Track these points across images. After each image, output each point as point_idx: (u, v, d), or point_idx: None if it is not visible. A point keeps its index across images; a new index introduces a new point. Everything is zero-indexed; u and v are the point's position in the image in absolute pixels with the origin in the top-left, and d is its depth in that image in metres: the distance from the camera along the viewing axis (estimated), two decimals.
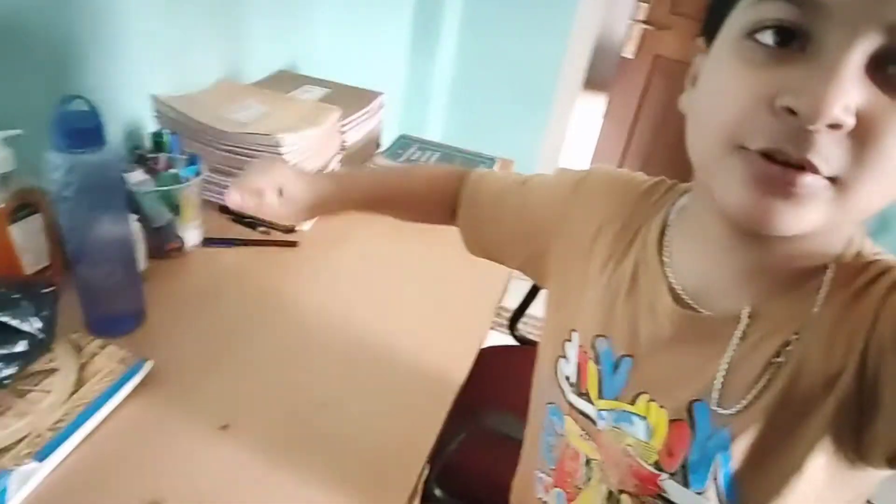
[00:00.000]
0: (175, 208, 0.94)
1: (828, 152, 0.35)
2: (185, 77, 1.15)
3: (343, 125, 1.19)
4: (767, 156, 0.36)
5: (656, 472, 0.50)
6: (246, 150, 1.03)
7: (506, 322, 1.53)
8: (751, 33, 0.37)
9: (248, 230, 1.07)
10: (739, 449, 0.45)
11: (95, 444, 0.67)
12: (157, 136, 0.98)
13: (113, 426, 0.69)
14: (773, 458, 0.45)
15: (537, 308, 1.49)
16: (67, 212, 0.71)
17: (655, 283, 0.52)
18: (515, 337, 1.50)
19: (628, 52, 2.48)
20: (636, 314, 0.53)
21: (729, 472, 0.46)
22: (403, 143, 1.31)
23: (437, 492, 1.07)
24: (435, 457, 1.00)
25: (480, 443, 1.10)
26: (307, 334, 0.88)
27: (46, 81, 0.90)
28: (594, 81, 3.66)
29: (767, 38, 0.36)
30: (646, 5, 2.36)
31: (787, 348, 0.43)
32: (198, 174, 0.96)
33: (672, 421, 0.49)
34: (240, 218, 1.09)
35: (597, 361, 0.54)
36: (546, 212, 0.63)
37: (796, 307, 0.44)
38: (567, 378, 0.57)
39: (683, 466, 0.48)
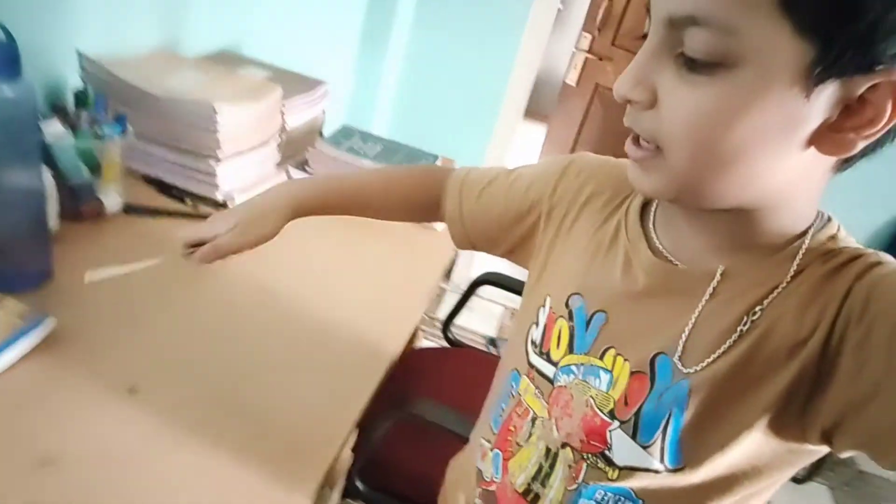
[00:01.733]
0: (95, 168, 0.88)
1: (640, 122, 0.42)
2: (118, 39, 1.09)
3: (284, 107, 1.17)
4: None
5: (609, 420, 0.50)
6: (179, 118, 0.99)
7: (439, 328, 1.52)
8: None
9: (175, 202, 1.02)
10: (694, 406, 0.46)
11: None
12: (80, 94, 0.93)
13: (6, 382, 0.63)
14: (723, 418, 0.45)
15: (465, 317, 1.50)
16: None
17: (635, 241, 0.53)
18: (448, 340, 1.48)
19: (571, 79, 2.56)
20: (612, 271, 0.54)
21: (679, 427, 0.46)
22: (346, 132, 1.29)
23: (360, 485, 1.03)
24: (359, 447, 0.97)
25: (406, 437, 1.07)
26: (232, 306, 0.83)
27: None
28: (535, 112, 3.77)
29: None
30: (589, 36, 2.46)
31: (756, 311, 0.45)
32: (123, 133, 0.90)
33: (633, 373, 0.49)
34: (166, 189, 1.03)
35: (570, 318, 0.55)
36: (536, 192, 0.64)
37: (768, 273, 0.45)
38: (533, 341, 0.58)
39: (636, 416, 0.48)
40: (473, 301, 1.45)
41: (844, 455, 0.44)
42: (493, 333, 2.33)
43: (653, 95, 0.41)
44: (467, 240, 0.72)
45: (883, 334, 0.39)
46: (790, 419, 0.44)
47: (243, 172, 1.09)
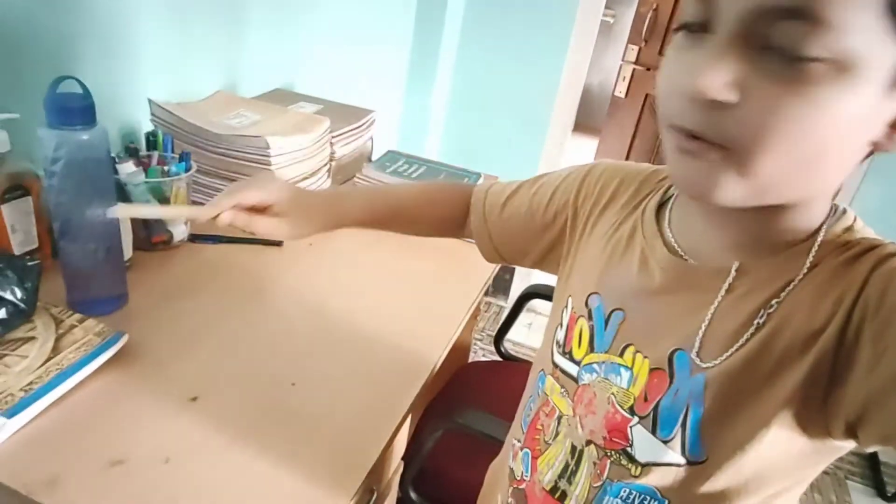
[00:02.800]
0: (164, 202, 0.98)
1: (722, 125, 0.39)
2: (182, 85, 1.20)
3: (333, 137, 1.24)
4: (690, 134, 0.41)
5: (629, 416, 0.51)
6: (236, 153, 1.08)
7: (489, 346, 1.55)
8: (679, 27, 0.43)
9: (235, 230, 1.10)
10: (711, 399, 0.46)
11: (66, 407, 0.68)
12: (151, 136, 1.03)
13: (85, 393, 0.71)
14: (742, 413, 0.45)
15: (516, 331, 1.51)
16: (55, 187, 0.75)
17: (651, 239, 0.55)
18: (500, 354, 1.50)
19: (620, 91, 2.56)
20: (628, 270, 0.55)
21: (697, 420, 0.47)
22: (391, 157, 1.35)
23: (413, 495, 1.06)
24: (411, 457, 1.00)
25: (458, 448, 1.10)
26: (284, 322, 0.90)
27: (47, 71, 0.95)
28: (588, 126, 3.76)
29: (687, 28, 0.41)
30: (636, 47, 2.45)
31: (772, 305, 0.45)
32: (188, 170, 1.00)
33: (652, 370, 0.50)
34: None
35: (589, 318, 0.57)
36: (559, 200, 0.66)
37: (783, 268, 0.46)
38: (557, 342, 0.60)
39: (655, 411, 0.49)
40: (529, 317, 1.47)
41: (871, 449, 0.44)
42: None
43: (736, 95, 0.38)
44: (496, 253, 0.74)
45: None
46: (812, 413, 0.43)
47: None
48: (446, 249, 1.17)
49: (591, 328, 0.56)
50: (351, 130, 1.31)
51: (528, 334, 2.30)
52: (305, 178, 1.18)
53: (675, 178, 0.44)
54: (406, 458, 1.00)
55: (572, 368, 0.57)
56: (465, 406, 1.08)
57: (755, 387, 0.45)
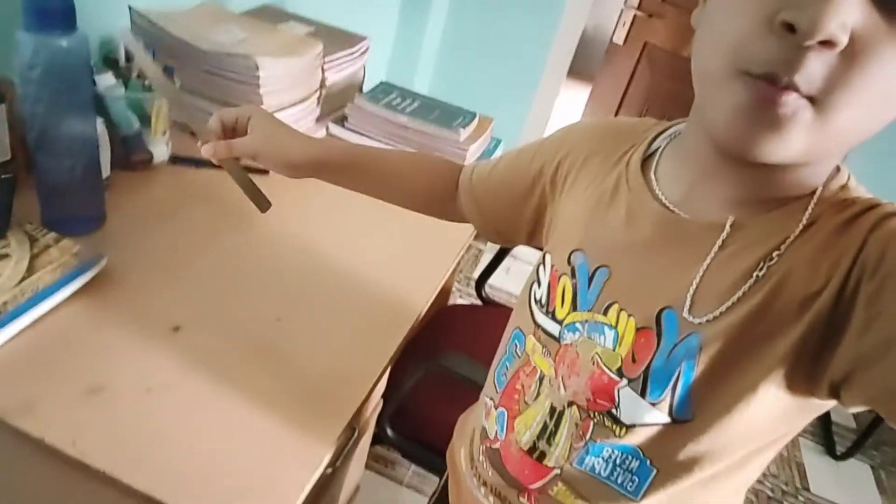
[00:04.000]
0: (145, 119, 0.92)
1: (814, 71, 0.35)
2: None
3: (325, 63, 1.18)
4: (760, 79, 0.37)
5: (617, 378, 0.50)
6: (222, 72, 1.01)
7: (472, 290, 1.54)
8: None
9: None
10: (705, 360, 0.45)
11: (42, 331, 0.66)
12: None
13: (62, 316, 0.68)
14: (734, 374, 0.45)
15: (497, 277, 1.52)
16: (31, 95, 0.69)
17: (638, 194, 0.52)
18: (481, 298, 1.50)
19: (618, 38, 2.49)
20: (614, 225, 0.53)
21: (688, 383, 0.46)
22: (385, 88, 1.30)
23: (389, 431, 1.07)
24: (389, 395, 1.01)
25: (436, 389, 1.11)
26: (269, 254, 0.87)
27: None
28: (580, 72, 3.67)
29: None
30: None
31: (768, 263, 0.44)
32: None
33: (639, 329, 0.49)
34: None
35: (573, 275, 0.55)
36: (538, 163, 0.64)
37: (779, 224, 0.44)
38: (538, 301, 0.58)
39: (645, 373, 0.48)
40: (507, 262, 1.46)
41: (852, 410, 0.44)
42: None
43: (847, 37, 0.34)
44: (491, 227, 0.72)
45: None
46: (801, 373, 0.43)
47: None
48: None
49: (575, 286, 0.54)
50: (344, 57, 1.24)
51: (505, 278, 2.31)
52: (294, 105, 1.12)
53: (735, 134, 0.39)
54: (385, 395, 1.00)
55: (554, 328, 0.56)
56: (447, 348, 1.08)
57: (750, 348, 0.44)
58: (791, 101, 0.36)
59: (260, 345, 0.72)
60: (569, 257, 0.55)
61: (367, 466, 1.50)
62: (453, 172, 0.75)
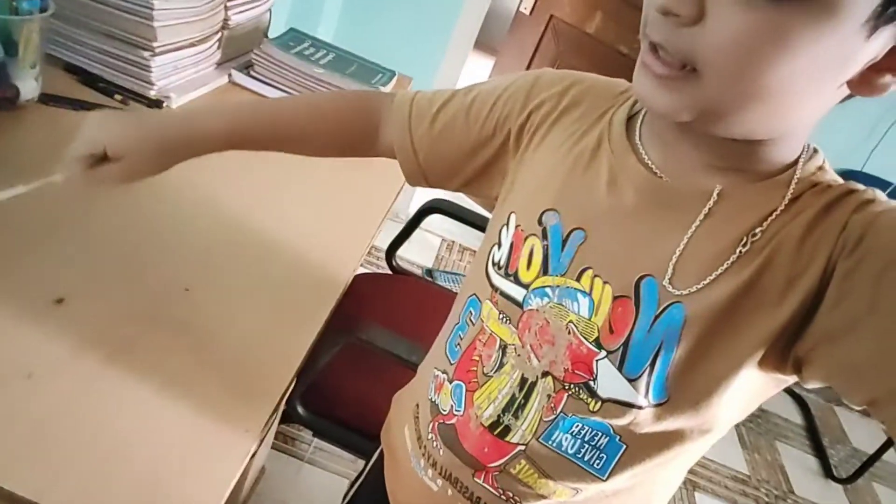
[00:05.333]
0: (11, 47, 0.76)
1: (675, 39, 0.38)
2: None
3: (228, 1, 1.05)
4: (654, 47, 0.40)
5: (595, 349, 0.47)
6: (109, 0, 0.86)
7: (376, 256, 1.48)
8: None
9: (101, 96, 0.91)
10: (688, 337, 0.44)
11: None
12: None
13: None
14: (716, 354, 0.44)
15: (405, 249, 1.48)
16: None
17: (622, 156, 0.49)
18: (392, 267, 1.45)
19: (525, 7, 2.48)
20: (594, 186, 0.50)
21: (668, 363, 0.44)
22: (295, 36, 1.18)
23: (301, 410, 1.00)
24: (303, 372, 0.93)
25: (351, 364, 1.05)
26: (173, 217, 0.76)
27: None
28: (484, 44, 3.66)
29: None
30: None
31: (753, 238, 0.43)
32: (43, 10, 0.78)
33: (616, 298, 0.46)
34: (92, 80, 0.92)
35: (543, 237, 0.51)
36: (501, 111, 0.58)
37: (764, 197, 0.44)
38: (497, 263, 0.54)
39: (625, 345, 0.46)
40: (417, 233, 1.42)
41: (811, 385, 0.44)
42: (429, 264, 2.32)
43: (700, 10, 0.36)
44: (421, 173, 0.64)
45: (871, 270, 0.38)
46: (776, 351, 0.43)
47: (180, 70, 0.99)
48: None
49: (546, 248, 0.51)
50: None
51: (407, 247, 2.27)
52: (192, 45, 0.99)
53: (634, 89, 0.43)
54: (298, 371, 0.92)
55: (517, 292, 0.52)
56: (363, 322, 1.01)
57: (735, 326, 0.43)
58: (661, 65, 0.39)
59: (165, 319, 0.62)
60: (540, 217, 0.51)
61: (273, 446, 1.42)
62: (369, 108, 0.66)
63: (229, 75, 1.11)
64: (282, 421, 1.03)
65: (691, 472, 1.93)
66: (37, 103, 0.82)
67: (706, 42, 0.37)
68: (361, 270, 1.99)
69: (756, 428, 2.23)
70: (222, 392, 0.58)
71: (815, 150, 0.46)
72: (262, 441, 0.61)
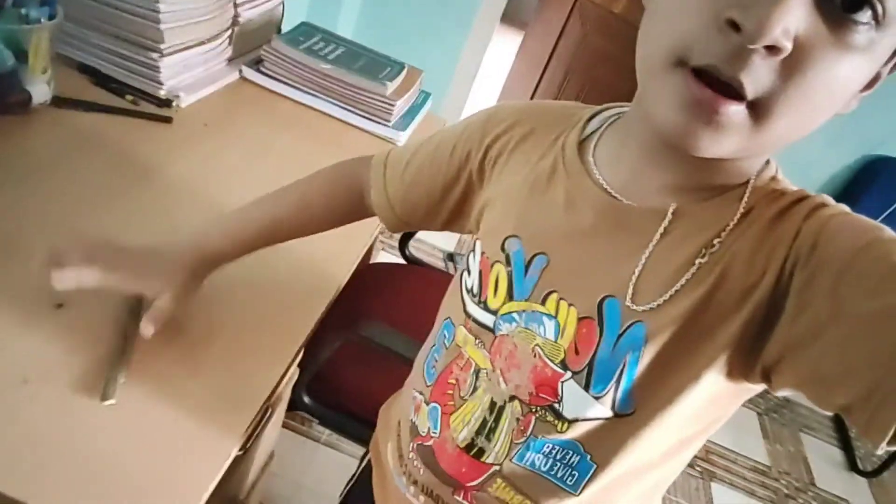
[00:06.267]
0: (21, 54, 0.79)
1: (759, 74, 0.35)
2: None
3: None
4: (701, 74, 0.37)
5: (561, 370, 0.48)
6: (116, 3, 0.89)
7: (396, 243, 1.50)
8: None
9: (113, 97, 0.94)
10: (650, 352, 0.45)
11: None
12: None
13: None
14: (677, 366, 0.44)
15: (425, 232, 1.49)
16: None
17: (577, 179, 0.50)
18: (405, 257, 1.46)
19: None
20: (552, 210, 0.51)
21: (633, 376, 0.45)
22: (305, 30, 1.19)
23: (306, 399, 1.03)
24: (307, 363, 0.96)
25: (357, 356, 1.07)
26: (172, 215, 0.79)
27: None
28: (513, 18, 3.60)
29: None
30: None
31: (710, 251, 0.44)
32: (52, 17, 0.81)
33: (581, 319, 0.47)
34: (104, 81, 0.94)
35: (507, 263, 0.52)
36: (461, 152, 0.60)
37: (718, 212, 0.44)
38: (469, 290, 0.55)
39: (589, 365, 0.47)
40: None
41: (781, 393, 0.45)
42: (451, 248, 2.33)
43: (791, 44, 0.34)
44: (401, 223, 0.68)
45: (827, 278, 0.39)
46: (738, 360, 0.44)
47: (190, 68, 1.01)
48: (363, 148, 1.07)
49: (510, 274, 0.52)
50: None
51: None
52: (202, 44, 1.01)
53: (673, 128, 0.39)
54: (301, 364, 0.95)
55: (488, 319, 0.53)
56: (368, 316, 1.03)
57: (694, 339, 0.44)
58: (733, 112, 0.37)
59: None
60: (503, 244, 0.52)
61: (283, 426, 1.46)
62: (357, 176, 0.70)
63: (240, 71, 1.12)
64: (288, 409, 1.06)
65: (708, 461, 1.92)
66: (49, 106, 0.85)
67: (793, 81, 0.35)
68: (385, 256, 2.02)
69: (780, 418, 2.20)
70: (210, 396, 0.61)
71: (768, 161, 0.46)
72: (251, 437, 0.64)
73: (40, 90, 0.83)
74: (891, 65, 0.39)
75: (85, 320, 0.62)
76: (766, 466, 1.99)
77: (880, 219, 2.19)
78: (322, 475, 1.48)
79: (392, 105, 1.11)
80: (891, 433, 0.35)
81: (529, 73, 2.63)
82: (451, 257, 2.27)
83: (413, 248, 1.46)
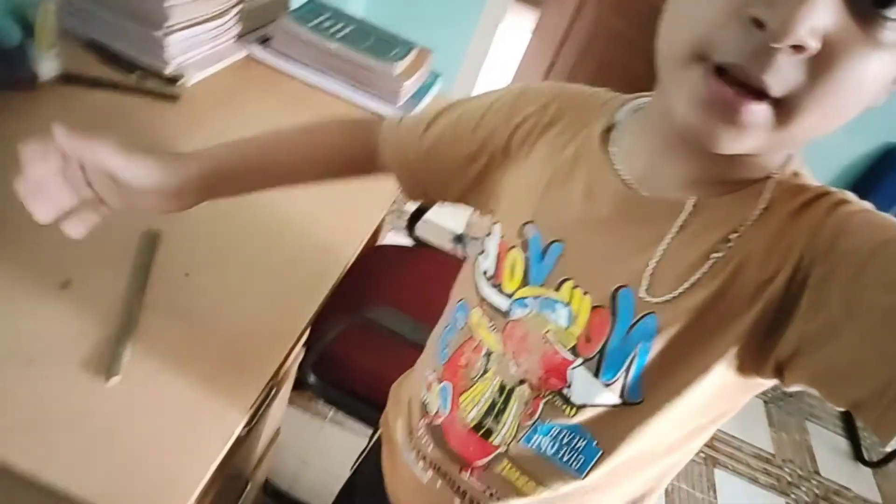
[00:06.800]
0: (28, 29, 0.79)
1: (785, 73, 0.34)
2: None
3: None
4: (723, 71, 0.36)
5: (571, 357, 0.48)
6: None
7: (405, 223, 1.49)
8: None
9: (120, 74, 0.93)
10: (661, 342, 0.45)
11: None
12: None
13: None
14: (688, 358, 0.44)
15: (434, 212, 1.48)
16: None
17: (598, 168, 0.50)
18: (413, 238, 1.46)
19: None
20: (571, 198, 0.51)
21: (642, 365, 0.45)
22: (315, 7, 1.17)
23: (312, 378, 1.04)
24: (313, 343, 0.97)
25: (363, 337, 1.08)
26: None
27: None
28: None
29: None
30: None
31: (727, 246, 0.43)
32: None
33: (594, 308, 0.47)
34: (111, 58, 0.94)
35: (524, 248, 0.52)
36: (486, 128, 0.59)
37: (738, 207, 0.44)
38: (484, 273, 0.55)
39: (601, 353, 0.47)
40: None
41: (792, 389, 0.45)
42: (460, 230, 2.32)
43: (818, 43, 0.33)
44: (419, 188, 0.67)
45: (845, 275, 0.38)
46: (749, 354, 0.43)
47: (197, 45, 1.00)
48: None
49: (527, 260, 0.52)
50: None
51: (437, 211, 2.28)
52: (208, 20, 1.00)
53: (693, 124, 0.38)
54: (307, 343, 0.96)
55: (502, 302, 0.54)
56: (375, 298, 1.04)
57: (706, 332, 0.44)
58: (755, 111, 0.36)
59: (165, 302, 0.66)
60: (521, 229, 0.53)
61: (290, 403, 1.48)
62: (363, 133, 0.67)
63: (248, 49, 1.11)
64: (294, 388, 1.07)
65: (711, 447, 1.93)
66: (56, 83, 0.85)
67: (821, 80, 0.34)
68: (393, 236, 2.01)
69: (786, 406, 2.20)
70: (217, 373, 0.61)
71: (791, 155, 0.45)
72: (256, 414, 0.64)
73: (47, 66, 0.83)
74: None
75: (91, 299, 0.62)
76: (771, 454, 1.99)
77: None
78: (328, 453, 1.50)
79: (400, 85, 1.10)
80: None
81: (543, 53, 2.60)
82: (459, 239, 2.27)
83: (421, 229, 1.46)
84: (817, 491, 1.94)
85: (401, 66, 1.10)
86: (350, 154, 0.68)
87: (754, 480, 1.89)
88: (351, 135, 0.68)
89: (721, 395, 0.47)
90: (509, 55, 2.99)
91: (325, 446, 1.52)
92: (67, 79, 0.86)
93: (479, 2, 2.11)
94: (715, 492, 1.81)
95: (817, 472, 1.99)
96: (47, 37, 0.81)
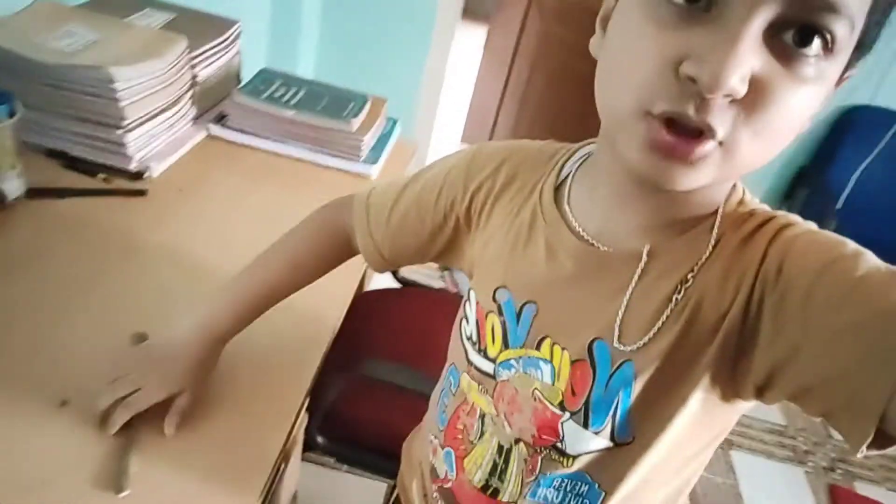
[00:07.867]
0: None
1: (725, 116, 0.36)
2: None
3: (193, 58, 1.07)
4: (669, 120, 0.38)
5: (560, 412, 0.50)
6: (72, 86, 0.90)
7: None
8: None
9: (86, 178, 0.95)
10: (640, 385, 0.47)
11: None
12: None
13: None
14: (665, 395, 0.46)
15: None
16: None
17: (555, 228, 0.52)
18: (398, 279, 1.48)
19: None
20: (535, 260, 0.52)
21: (626, 409, 0.47)
22: (265, 77, 1.20)
23: (320, 439, 1.05)
24: (314, 407, 0.98)
25: (364, 391, 1.09)
26: (159, 287, 0.80)
27: None
28: (476, 12, 3.60)
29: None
30: None
31: (685, 286, 0.45)
32: (11, 115, 0.82)
33: (574, 362, 0.49)
34: (74, 163, 0.96)
35: (500, 313, 0.54)
36: (446, 199, 0.61)
37: (691, 247, 0.46)
38: (469, 338, 0.58)
39: (586, 405, 0.49)
40: None
41: (774, 405, 0.47)
42: None
43: (746, 87, 0.36)
44: (389, 264, 0.70)
45: (796, 299, 0.40)
46: (723, 381, 0.45)
47: (156, 136, 1.02)
48: (337, 187, 1.09)
49: (504, 324, 0.54)
50: (213, 48, 1.13)
51: None
52: (163, 111, 1.02)
53: (648, 169, 0.40)
54: (310, 408, 0.97)
55: (488, 366, 0.56)
56: (369, 350, 1.05)
57: (679, 370, 0.46)
58: (705, 151, 0.38)
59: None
60: (494, 294, 0.55)
61: (304, 459, 1.48)
62: (339, 226, 0.72)
63: (207, 129, 1.14)
64: (304, 450, 1.08)
65: None
66: (24, 199, 0.87)
67: (756, 117, 0.37)
68: (378, 278, 2.01)
69: None
70: (223, 463, 0.62)
71: (734, 185, 0.47)
72: (268, 495, 0.66)
73: (12, 185, 0.85)
74: (839, 82, 0.40)
75: (91, 414, 0.63)
76: (783, 426, 2.02)
77: (860, 170, 2.21)
78: (349, 499, 1.50)
79: (360, 140, 1.12)
80: (868, 441, 0.37)
81: (498, 71, 2.64)
82: (446, 268, 2.29)
83: (405, 269, 1.47)
84: (833, 454, 1.96)
85: (357, 121, 1.13)
86: (333, 254, 0.73)
87: (771, 455, 1.91)
88: (328, 235, 0.73)
89: (710, 419, 0.49)
90: (465, 77, 3.04)
91: (345, 497, 1.52)
92: (34, 193, 0.88)
93: (424, 38, 2.15)
94: (735, 474, 1.83)
95: (830, 437, 2.01)
96: (8, 157, 0.83)
